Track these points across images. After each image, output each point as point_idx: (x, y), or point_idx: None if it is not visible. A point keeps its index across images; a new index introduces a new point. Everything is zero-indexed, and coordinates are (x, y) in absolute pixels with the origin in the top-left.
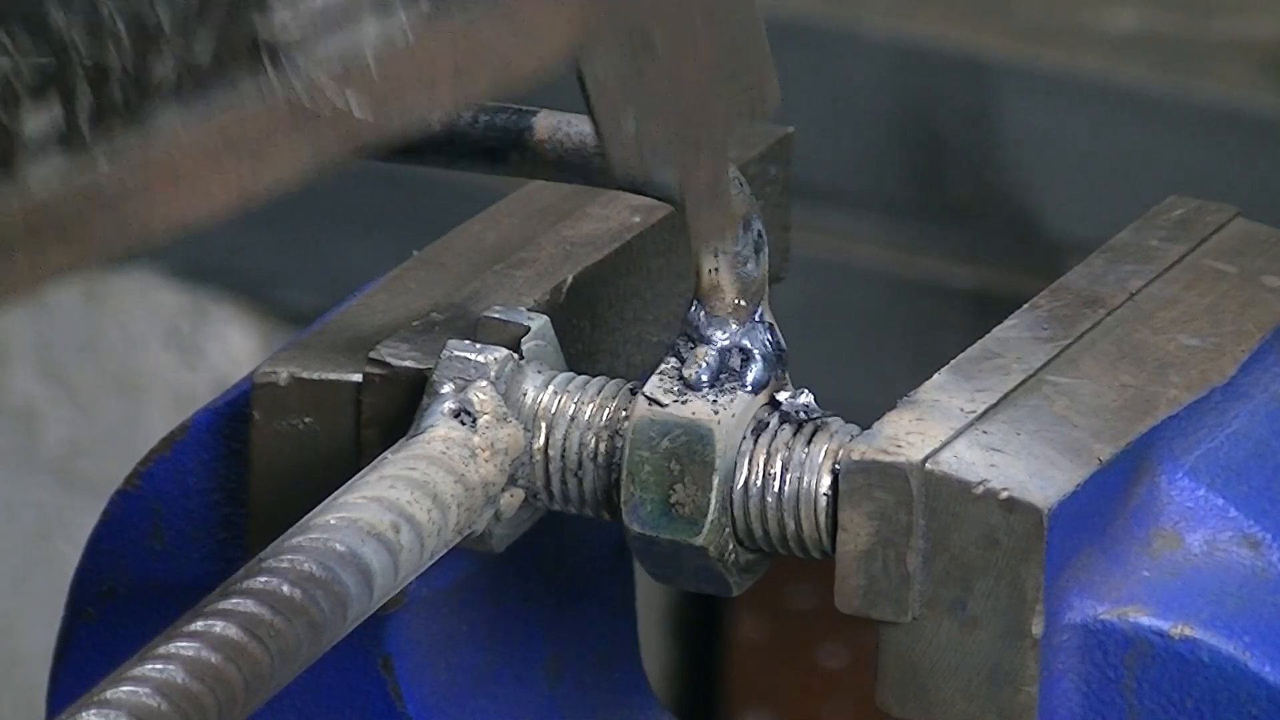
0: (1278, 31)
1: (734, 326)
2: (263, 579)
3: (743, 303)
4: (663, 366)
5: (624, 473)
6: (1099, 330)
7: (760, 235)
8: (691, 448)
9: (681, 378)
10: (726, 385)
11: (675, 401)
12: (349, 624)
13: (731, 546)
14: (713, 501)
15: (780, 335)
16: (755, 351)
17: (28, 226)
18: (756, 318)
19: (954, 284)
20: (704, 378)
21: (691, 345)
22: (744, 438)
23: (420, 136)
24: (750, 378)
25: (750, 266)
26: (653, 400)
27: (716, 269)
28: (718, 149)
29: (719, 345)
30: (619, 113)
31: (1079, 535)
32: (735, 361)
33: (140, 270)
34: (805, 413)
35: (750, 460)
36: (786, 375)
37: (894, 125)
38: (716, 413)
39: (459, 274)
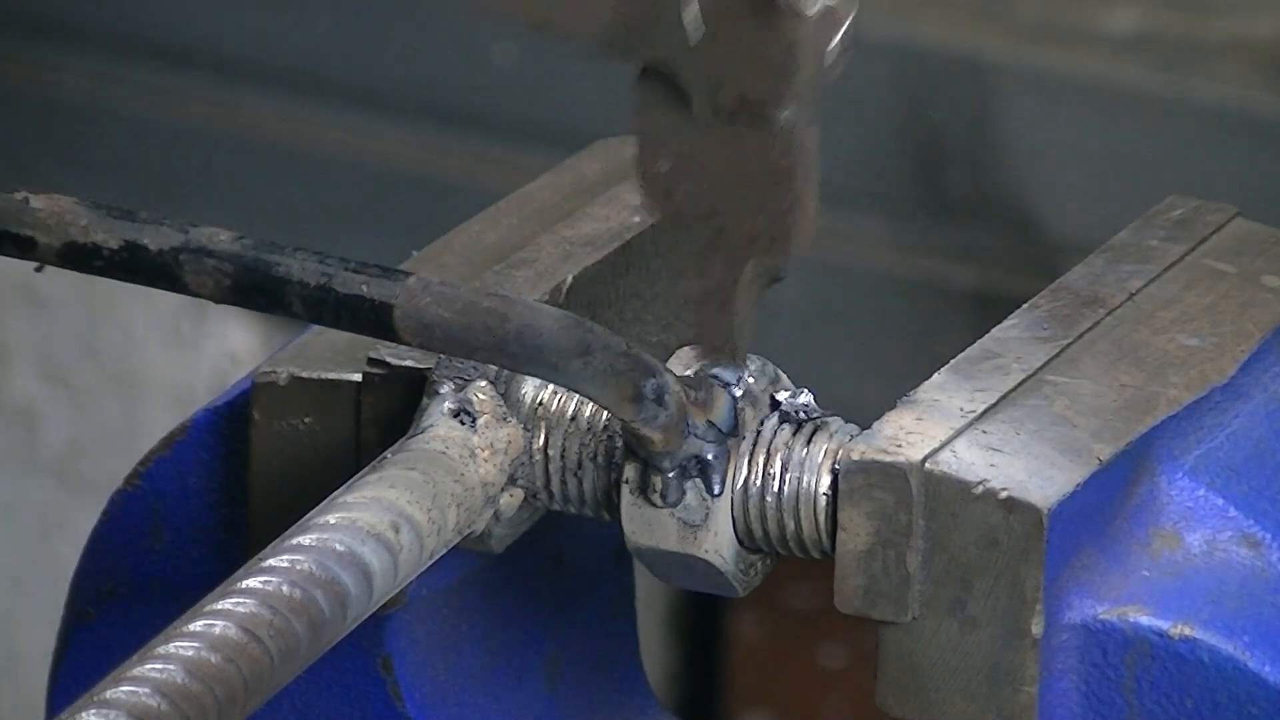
0: (1278, 31)
1: (674, 452)
2: (263, 579)
3: (670, 438)
4: (628, 474)
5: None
6: (1099, 330)
7: (660, 393)
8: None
9: (649, 500)
10: (697, 494)
11: (655, 517)
12: (349, 624)
13: (744, 564)
14: (730, 566)
15: (723, 407)
16: (708, 456)
17: None
18: (687, 430)
19: (954, 284)
20: (671, 498)
21: (641, 466)
22: (743, 439)
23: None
24: (715, 485)
25: (662, 418)
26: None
27: (635, 426)
28: (732, 264)
29: (670, 471)
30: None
31: (1079, 535)
32: (694, 469)
33: None
34: (805, 413)
35: (750, 460)
36: (745, 426)
37: (894, 125)
38: (702, 545)
39: (459, 274)
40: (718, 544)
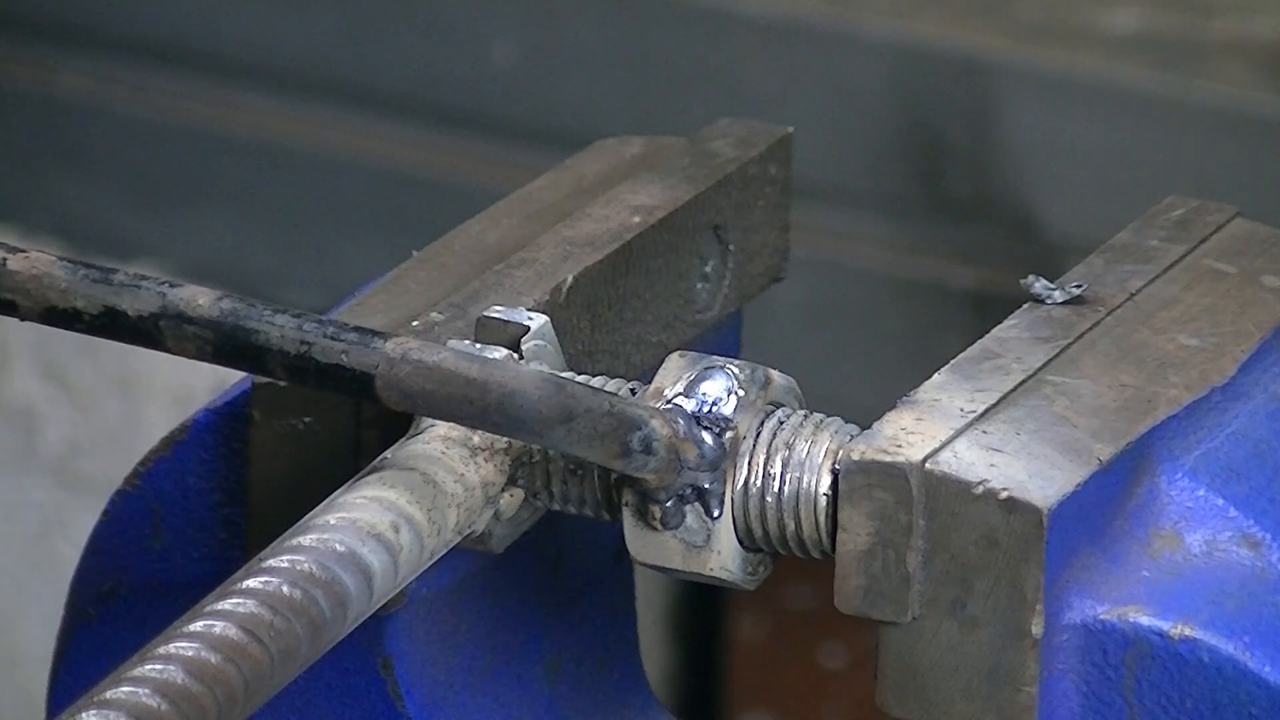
0: (1278, 31)
1: (670, 485)
2: (263, 579)
3: (663, 477)
4: (627, 497)
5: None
6: (1099, 330)
7: (648, 443)
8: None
9: (649, 525)
10: (697, 516)
11: (658, 539)
12: (349, 624)
13: (750, 567)
14: (738, 575)
15: (704, 436)
16: (704, 484)
17: None
18: (680, 465)
19: (954, 284)
20: (671, 524)
21: (639, 494)
22: (743, 438)
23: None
24: (714, 509)
25: (652, 464)
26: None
27: (627, 473)
28: None
29: (667, 501)
30: None
31: (1079, 535)
32: (691, 496)
33: (140, 270)
34: (805, 413)
35: (750, 460)
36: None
37: (894, 125)
38: (707, 564)
39: (459, 274)
40: (722, 560)
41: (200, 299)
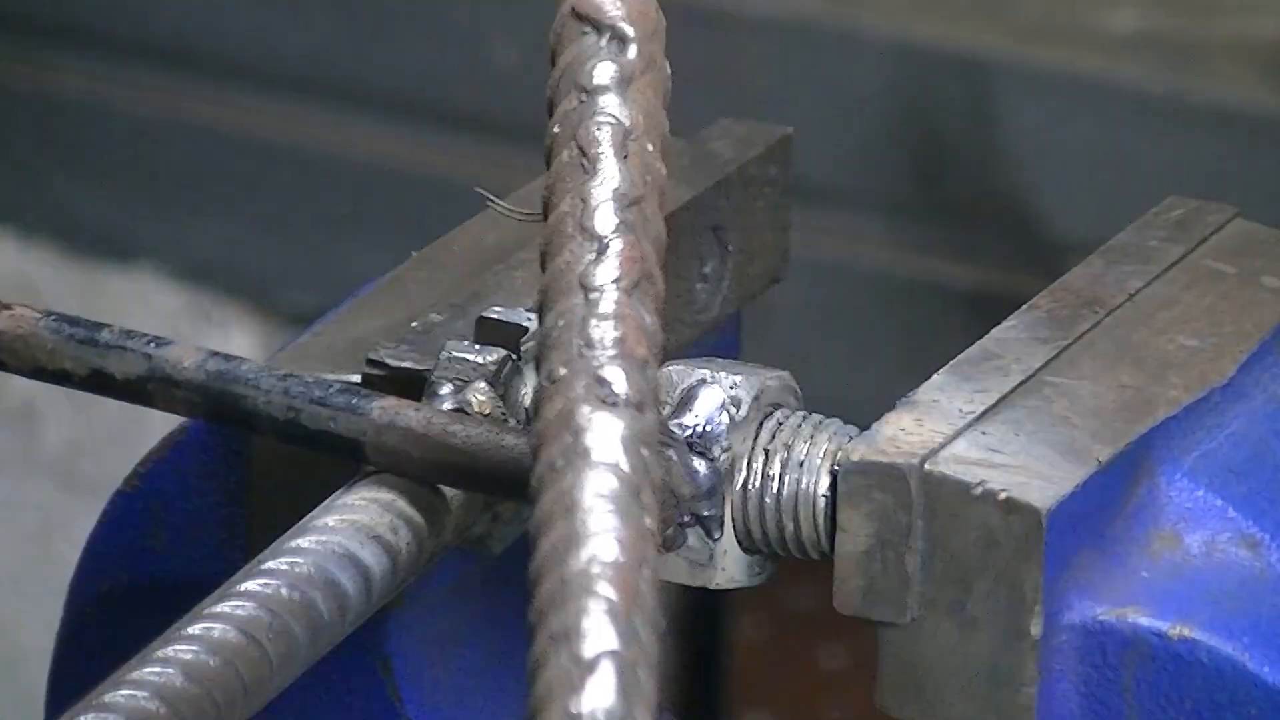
0: (1278, 31)
1: (669, 518)
2: (262, 581)
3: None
4: None
5: None
6: (1098, 331)
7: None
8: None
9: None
10: (699, 538)
11: (665, 558)
12: (348, 626)
13: (755, 571)
14: (745, 582)
15: (698, 466)
16: (702, 513)
17: None
18: (677, 501)
19: (954, 284)
20: (673, 547)
21: None
22: (739, 456)
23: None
24: (715, 531)
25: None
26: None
27: None
28: None
29: (667, 529)
30: None
31: (1078, 536)
32: (691, 521)
33: (140, 270)
34: (804, 414)
35: (749, 461)
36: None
37: (894, 125)
38: (713, 579)
39: (459, 274)
40: (728, 575)
41: (186, 360)
